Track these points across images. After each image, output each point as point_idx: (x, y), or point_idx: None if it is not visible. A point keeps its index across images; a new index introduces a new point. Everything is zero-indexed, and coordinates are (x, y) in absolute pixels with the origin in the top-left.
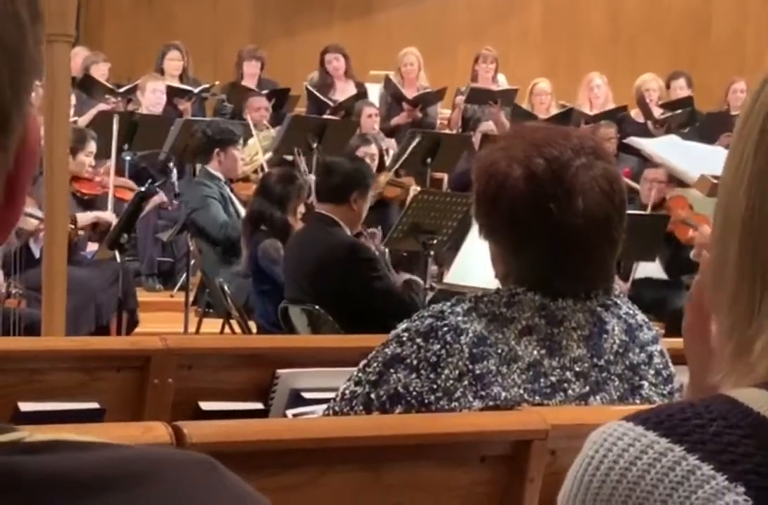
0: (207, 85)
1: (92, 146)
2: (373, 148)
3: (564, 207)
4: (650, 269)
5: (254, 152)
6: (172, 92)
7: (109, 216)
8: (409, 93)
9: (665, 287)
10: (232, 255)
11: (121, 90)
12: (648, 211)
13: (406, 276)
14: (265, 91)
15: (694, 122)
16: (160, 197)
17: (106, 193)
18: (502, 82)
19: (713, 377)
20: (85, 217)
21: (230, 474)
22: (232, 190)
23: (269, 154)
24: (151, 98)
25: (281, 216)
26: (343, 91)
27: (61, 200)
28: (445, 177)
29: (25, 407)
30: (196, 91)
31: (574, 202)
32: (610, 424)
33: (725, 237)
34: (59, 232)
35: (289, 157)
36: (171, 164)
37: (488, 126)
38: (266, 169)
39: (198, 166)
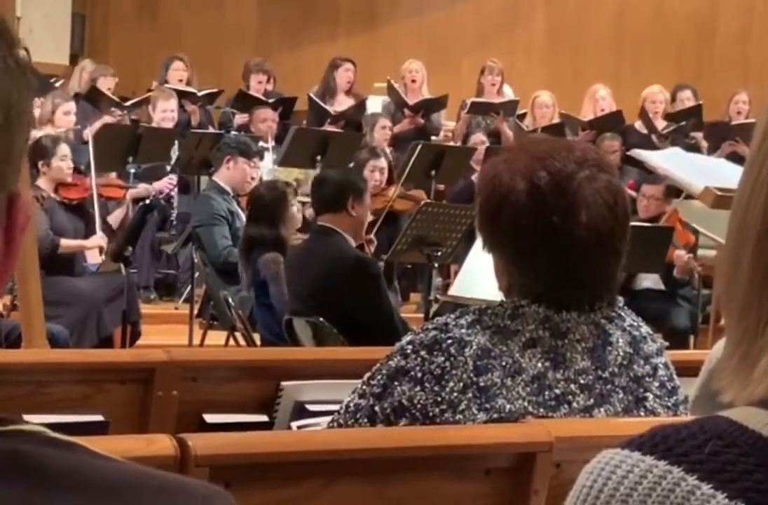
0: (215, 90)
1: (64, 149)
2: (382, 162)
3: (567, 220)
4: (650, 280)
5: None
6: (178, 95)
7: (95, 242)
8: (411, 101)
9: (664, 298)
10: (231, 278)
11: (128, 104)
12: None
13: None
14: (271, 100)
15: (700, 130)
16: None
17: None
18: (508, 94)
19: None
20: (68, 244)
21: None
22: (239, 204)
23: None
24: (161, 116)
25: (271, 233)
26: (342, 104)
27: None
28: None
29: (29, 419)
30: (200, 93)
31: (577, 214)
32: (604, 453)
33: (739, 248)
34: (28, 242)
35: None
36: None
37: (478, 138)
38: None
39: (203, 179)
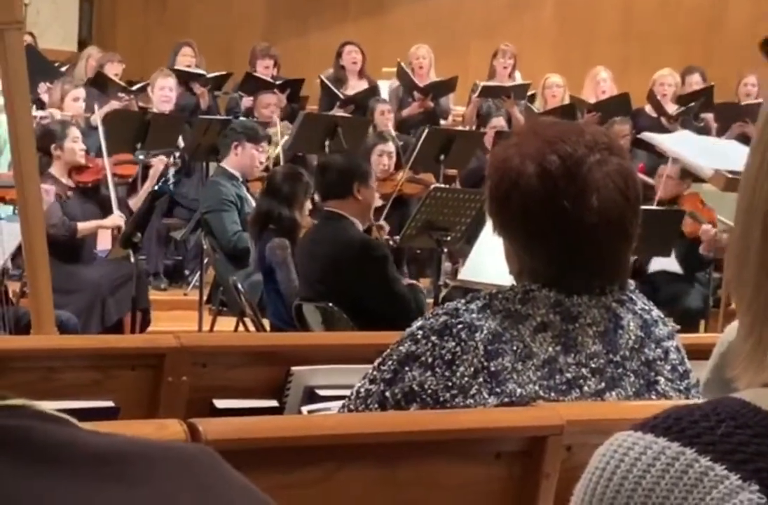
0: (224, 72)
1: (74, 131)
2: (390, 146)
3: (578, 204)
4: (665, 262)
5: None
6: (186, 77)
7: (112, 221)
8: (421, 84)
9: (679, 281)
10: (241, 263)
11: (134, 88)
12: (660, 206)
13: (408, 281)
14: (279, 81)
15: (710, 111)
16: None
17: (107, 176)
18: (519, 79)
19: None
20: (86, 227)
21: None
22: (248, 189)
23: (280, 147)
24: (159, 95)
25: (289, 215)
26: (355, 88)
27: (33, 191)
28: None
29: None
30: (209, 75)
31: (588, 198)
32: (617, 436)
33: (747, 233)
34: (37, 229)
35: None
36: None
37: (499, 122)
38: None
39: (212, 165)
